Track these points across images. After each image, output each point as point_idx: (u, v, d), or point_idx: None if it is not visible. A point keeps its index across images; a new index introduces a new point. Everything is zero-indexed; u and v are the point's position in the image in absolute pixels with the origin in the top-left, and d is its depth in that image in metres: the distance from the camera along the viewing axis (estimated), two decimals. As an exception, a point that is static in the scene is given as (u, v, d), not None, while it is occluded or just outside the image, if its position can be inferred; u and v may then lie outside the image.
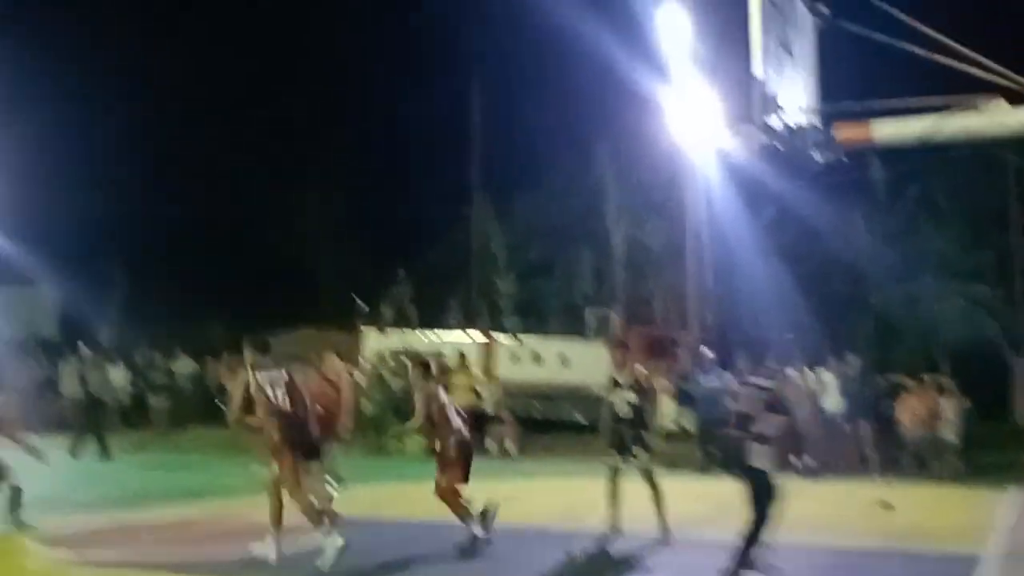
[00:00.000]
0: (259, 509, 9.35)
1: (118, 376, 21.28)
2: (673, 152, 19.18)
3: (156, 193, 29.85)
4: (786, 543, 8.76)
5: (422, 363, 10.20)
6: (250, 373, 8.87)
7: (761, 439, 8.50)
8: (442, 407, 9.78)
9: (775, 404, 8.81)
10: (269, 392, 8.79)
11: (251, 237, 32.01)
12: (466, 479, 9.69)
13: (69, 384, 18.79)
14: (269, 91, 32.57)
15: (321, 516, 8.79)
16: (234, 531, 9.96)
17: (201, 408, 20.85)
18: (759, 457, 8.48)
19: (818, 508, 11.68)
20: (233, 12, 33.00)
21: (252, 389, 8.77)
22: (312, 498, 8.91)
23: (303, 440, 8.92)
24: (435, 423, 9.74)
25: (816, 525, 10.60)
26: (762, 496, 8.43)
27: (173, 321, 27.36)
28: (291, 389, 8.94)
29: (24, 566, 8.89)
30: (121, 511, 11.55)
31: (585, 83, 23.66)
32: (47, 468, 10.51)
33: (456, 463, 9.64)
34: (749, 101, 7.04)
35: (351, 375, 13.30)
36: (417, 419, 9.89)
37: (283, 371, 9.01)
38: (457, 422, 9.80)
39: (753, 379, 9.50)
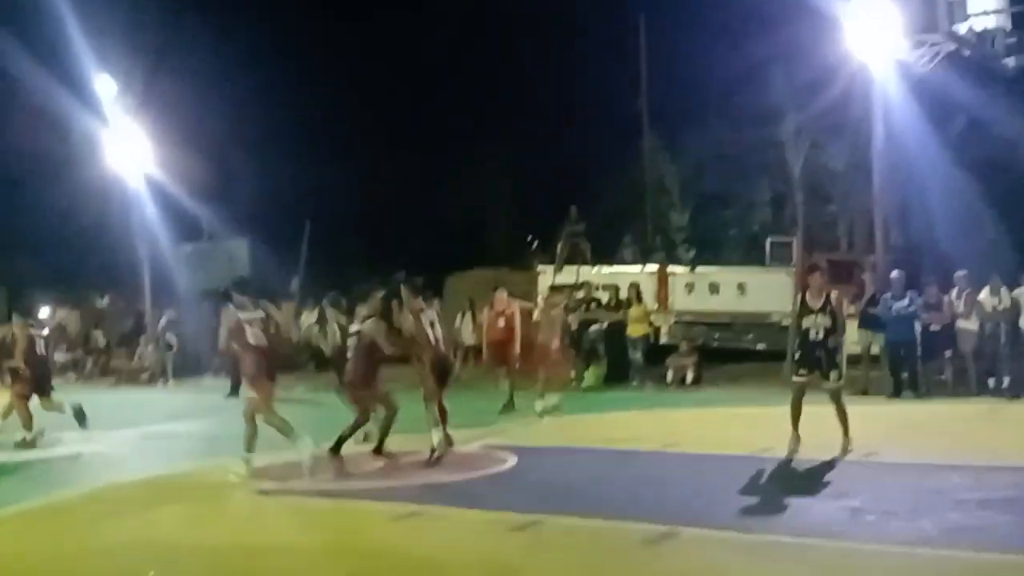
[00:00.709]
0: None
1: (310, 321, 22.30)
2: (852, 68, 18.28)
3: (339, 158, 31.12)
4: (986, 465, 8.43)
5: (412, 286, 11.07)
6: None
7: None
8: (426, 326, 10.70)
9: None
10: (247, 329, 9.97)
11: (429, 184, 32.71)
12: (441, 390, 10.79)
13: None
14: (434, 38, 33.01)
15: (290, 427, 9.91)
16: (417, 461, 10.53)
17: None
18: None
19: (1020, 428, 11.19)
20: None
21: (233, 326, 10.04)
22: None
23: (272, 370, 10.15)
24: (419, 341, 10.67)
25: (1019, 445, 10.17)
26: None
27: (359, 269, 28.37)
28: (265, 326, 10.10)
29: (232, 497, 9.45)
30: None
31: (755, 2, 22.70)
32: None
33: (432, 374, 10.64)
34: (932, 8, 6.64)
35: (522, 309, 13.85)
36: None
37: (259, 310, 10.19)
38: (437, 340, 10.80)
39: None
